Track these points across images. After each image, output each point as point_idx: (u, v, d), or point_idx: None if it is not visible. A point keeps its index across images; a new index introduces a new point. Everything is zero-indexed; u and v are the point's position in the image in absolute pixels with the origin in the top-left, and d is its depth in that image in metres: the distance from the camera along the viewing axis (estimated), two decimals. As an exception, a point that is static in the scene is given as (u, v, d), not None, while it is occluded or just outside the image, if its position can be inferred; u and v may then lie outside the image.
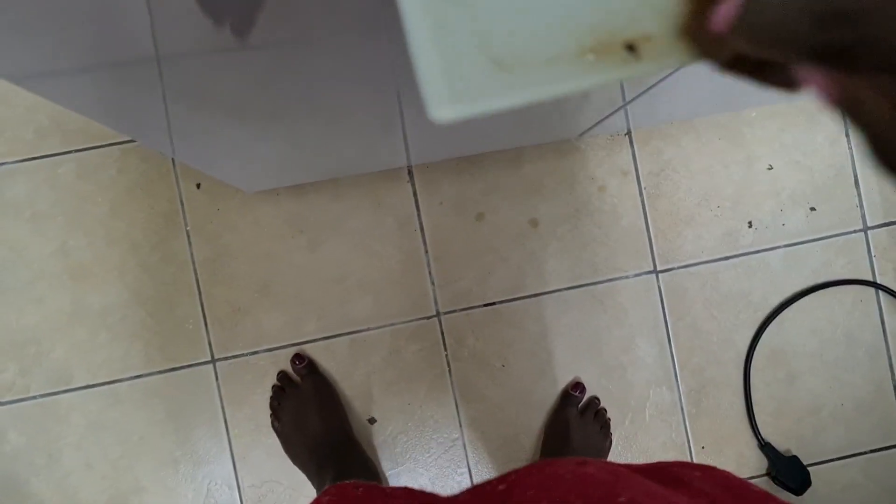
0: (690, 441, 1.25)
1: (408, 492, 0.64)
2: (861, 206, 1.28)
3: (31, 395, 1.19)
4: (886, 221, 1.28)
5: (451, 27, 0.24)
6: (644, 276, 1.25)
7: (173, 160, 1.22)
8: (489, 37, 0.24)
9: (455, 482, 1.23)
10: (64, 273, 1.21)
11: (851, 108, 0.21)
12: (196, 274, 1.21)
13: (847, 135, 1.29)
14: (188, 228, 1.21)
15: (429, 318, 1.22)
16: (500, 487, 0.57)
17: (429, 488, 1.17)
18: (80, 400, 1.20)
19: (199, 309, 1.21)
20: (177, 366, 1.20)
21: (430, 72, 0.24)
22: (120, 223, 1.21)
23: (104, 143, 1.21)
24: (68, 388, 1.20)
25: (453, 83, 0.24)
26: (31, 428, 1.20)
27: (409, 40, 0.24)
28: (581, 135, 1.20)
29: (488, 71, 0.24)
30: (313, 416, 1.16)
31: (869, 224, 1.28)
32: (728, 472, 0.57)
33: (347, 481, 0.64)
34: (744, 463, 1.26)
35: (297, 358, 1.19)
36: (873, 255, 1.27)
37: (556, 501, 0.48)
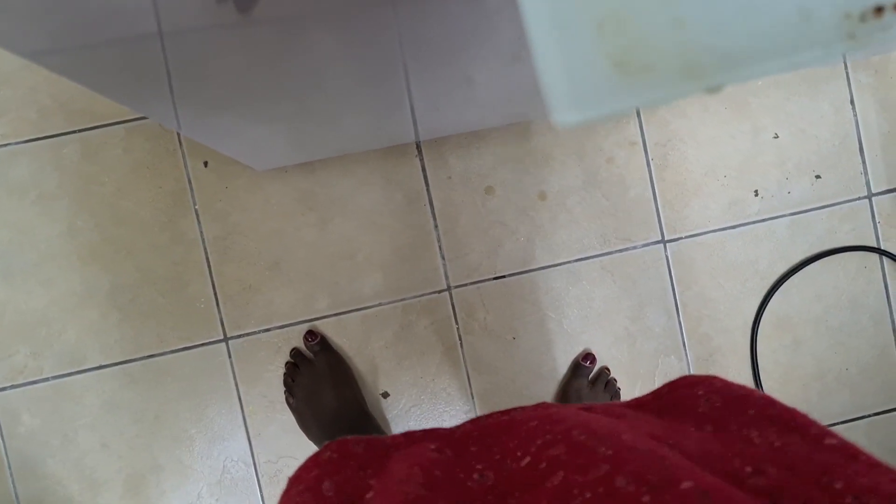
0: (699, 408, 1.27)
1: (407, 436, 0.64)
2: (865, 174, 1.29)
3: (44, 376, 1.20)
4: (890, 188, 1.29)
5: (575, 31, 0.24)
6: (652, 247, 1.26)
7: (179, 138, 1.21)
8: (615, 42, 0.24)
9: (469, 453, 1.25)
10: (73, 254, 1.20)
11: None
12: (206, 253, 1.21)
13: (851, 102, 1.30)
14: (196, 207, 1.21)
15: (440, 292, 1.23)
16: (504, 418, 0.58)
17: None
18: (94, 381, 1.20)
19: (211, 287, 1.21)
20: (190, 345, 1.21)
21: (554, 78, 0.24)
22: (127, 203, 1.20)
23: (108, 123, 1.20)
24: (81, 368, 1.20)
25: (577, 88, 0.24)
26: (45, 410, 1.20)
27: (532, 46, 0.24)
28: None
29: (612, 75, 0.24)
30: (327, 392, 1.17)
31: (873, 191, 1.29)
32: (729, 383, 0.57)
33: (348, 437, 0.64)
34: (751, 428, 1.28)
35: (310, 334, 1.19)
36: (878, 221, 1.29)
37: (558, 434, 0.49)
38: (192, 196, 1.21)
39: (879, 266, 1.29)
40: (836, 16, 0.25)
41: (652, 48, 0.24)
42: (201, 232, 1.21)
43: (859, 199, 1.28)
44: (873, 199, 1.29)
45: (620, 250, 1.25)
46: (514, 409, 0.60)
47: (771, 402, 0.51)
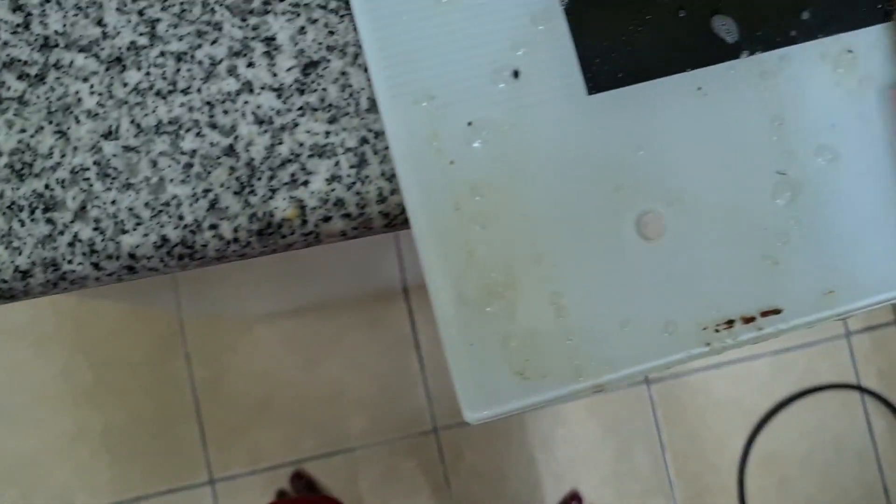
0: (686, 549, 1.27)
1: None
2: (844, 313, 1.31)
3: (33, 521, 1.20)
4: (867, 326, 1.31)
5: (483, 344, 0.28)
6: (636, 387, 1.27)
7: (173, 286, 1.24)
8: (517, 355, 0.28)
9: None
10: (66, 395, 1.22)
11: None
12: (195, 394, 1.23)
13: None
14: (187, 350, 1.23)
15: (426, 433, 1.24)
16: None
17: None
18: (82, 525, 1.21)
19: (198, 429, 1.22)
20: (177, 487, 1.21)
21: (465, 383, 0.28)
22: (121, 346, 1.23)
23: (104, 270, 1.23)
24: (69, 513, 1.21)
25: (484, 392, 0.28)
26: (32, 554, 1.20)
27: (445, 353, 0.28)
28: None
29: (514, 381, 0.28)
30: (314, 536, 1.17)
31: (850, 329, 1.31)
32: None
33: None
34: (739, 569, 1.28)
35: (297, 476, 1.20)
36: (856, 359, 1.30)
37: None
38: (184, 338, 1.23)
39: (861, 403, 1.30)
40: (695, 328, 0.29)
41: (547, 358, 0.28)
42: (191, 374, 1.23)
43: (837, 337, 1.31)
44: (851, 337, 1.31)
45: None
46: None
47: None
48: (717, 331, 0.29)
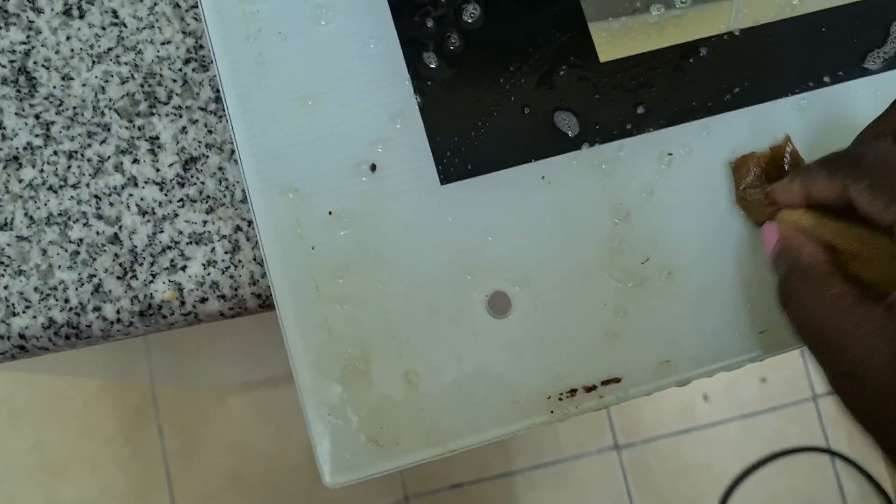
0: None
1: None
2: (808, 376, 1.33)
3: None
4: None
5: (341, 414, 0.30)
6: (606, 453, 1.28)
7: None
8: (371, 423, 0.30)
9: None
10: (38, 468, 1.23)
11: None
12: (167, 465, 1.24)
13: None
14: (159, 422, 1.24)
15: (396, 502, 1.24)
16: None
17: None
18: None
19: (170, 500, 1.23)
20: (147, 561, 1.21)
21: (323, 449, 0.30)
22: (94, 418, 1.24)
23: (79, 342, 1.25)
24: (38, 589, 1.20)
25: (342, 458, 0.30)
26: None
27: (306, 422, 0.30)
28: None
29: (368, 447, 0.30)
30: None
31: (817, 392, 1.32)
32: None
33: None
34: None
35: (268, 549, 1.20)
36: (824, 422, 1.31)
37: None
38: (156, 409, 1.24)
39: (831, 466, 1.30)
40: (540, 397, 0.31)
41: (399, 427, 0.31)
42: (163, 445, 1.24)
43: (805, 400, 1.32)
44: (818, 399, 1.32)
45: (575, 457, 1.28)
46: None
47: None
48: (560, 399, 0.31)
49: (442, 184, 0.32)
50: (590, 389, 0.31)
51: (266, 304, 0.32)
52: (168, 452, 1.24)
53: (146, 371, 1.23)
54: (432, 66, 0.32)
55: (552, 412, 0.31)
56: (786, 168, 0.32)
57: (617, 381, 0.31)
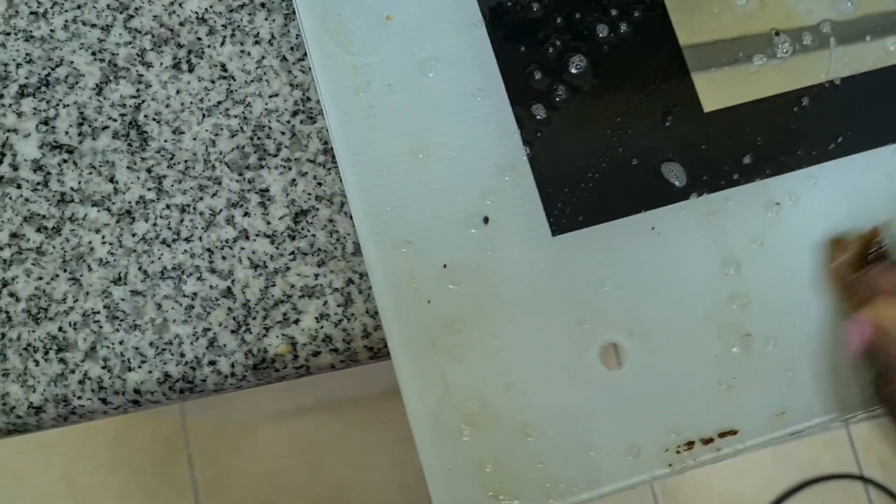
0: None
1: None
2: (843, 402, 1.32)
3: None
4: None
5: (460, 469, 0.30)
6: (638, 481, 1.27)
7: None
8: (491, 478, 0.30)
9: None
10: (67, 498, 1.22)
11: None
12: (196, 497, 1.23)
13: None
14: (190, 452, 1.24)
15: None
16: None
17: None
18: None
19: (201, 533, 1.22)
20: None
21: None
22: (123, 449, 1.23)
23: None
24: None
25: None
26: None
27: (426, 477, 0.31)
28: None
29: (491, 502, 0.30)
30: None
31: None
32: None
33: None
34: None
35: (299, 581, 1.19)
36: (857, 448, 1.30)
37: None
38: (187, 440, 1.24)
39: (864, 493, 1.29)
40: (658, 450, 0.31)
41: (519, 481, 0.30)
42: (192, 476, 1.23)
43: (837, 427, 1.31)
44: (850, 426, 1.31)
45: (607, 485, 1.26)
46: None
47: None
48: (678, 452, 0.31)
49: (553, 235, 0.32)
50: (707, 442, 0.31)
51: (377, 355, 0.32)
52: (198, 483, 1.23)
53: (177, 403, 1.23)
54: (540, 117, 0.33)
55: (670, 465, 0.31)
56: (869, 257, 0.32)
57: (734, 433, 0.31)
